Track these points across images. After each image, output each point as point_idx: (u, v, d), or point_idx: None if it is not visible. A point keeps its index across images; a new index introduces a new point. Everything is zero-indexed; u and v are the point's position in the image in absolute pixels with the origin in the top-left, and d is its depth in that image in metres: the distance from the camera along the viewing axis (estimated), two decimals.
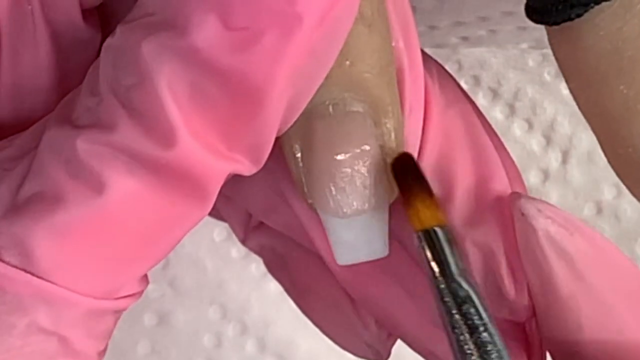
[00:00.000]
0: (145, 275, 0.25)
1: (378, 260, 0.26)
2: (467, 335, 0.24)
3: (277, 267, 0.32)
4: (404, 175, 0.25)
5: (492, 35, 0.41)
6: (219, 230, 0.42)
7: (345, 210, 0.25)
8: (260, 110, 0.22)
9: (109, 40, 0.22)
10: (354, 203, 0.25)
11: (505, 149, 0.28)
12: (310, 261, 0.30)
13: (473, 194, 0.27)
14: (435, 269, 0.24)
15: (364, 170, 0.25)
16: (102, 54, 0.22)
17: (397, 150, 0.26)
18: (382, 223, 0.26)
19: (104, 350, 0.25)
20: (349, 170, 0.25)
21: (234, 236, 0.40)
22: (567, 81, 0.26)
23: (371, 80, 0.25)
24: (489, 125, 0.28)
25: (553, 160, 0.42)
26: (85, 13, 0.25)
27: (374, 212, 0.25)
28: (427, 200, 0.25)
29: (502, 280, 0.27)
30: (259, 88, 0.21)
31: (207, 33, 0.21)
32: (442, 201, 0.27)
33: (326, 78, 0.23)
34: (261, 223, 0.32)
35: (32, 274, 0.22)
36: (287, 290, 0.32)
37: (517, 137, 0.42)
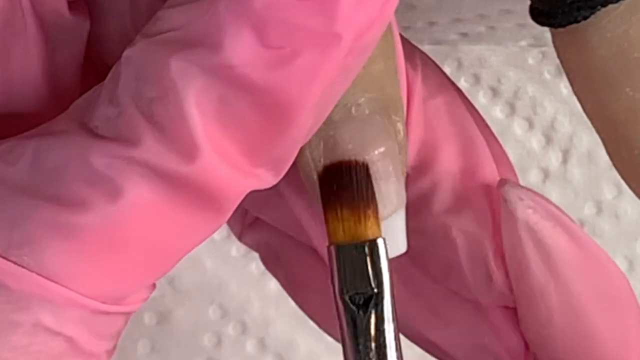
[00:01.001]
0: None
1: None
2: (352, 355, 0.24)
3: (273, 262, 0.32)
4: (327, 186, 0.25)
5: (492, 31, 0.41)
6: (219, 229, 0.42)
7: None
8: (289, 127, 0.22)
9: (129, 52, 0.22)
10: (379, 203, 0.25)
11: (494, 137, 0.28)
12: (305, 256, 0.30)
13: (459, 183, 0.27)
14: (334, 284, 0.24)
15: (390, 169, 0.25)
16: (122, 65, 0.22)
17: (404, 145, 0.26)
18: (402, 220, 0.26)
19: (113, 349, 0.25)
20: (375, 170, 0.25)
21: (234, 235, 0.40)
22: (571, 83, 0.26)
23: (387, 78, 0.25)
24: (477, 113, 0.28)
25: (553, 159, 0.42)
26: (72, 5, 0.25)
27: (396, 208, 0.25)
28: (345, 213, 0.24)
29: (491, 267, 0.27)
30: (291, 106, 0.21)
31: (242, 50, 0.21)
32: (426, 191, 0.27)
33: None
34: (257, 219, 0.31)
35: (39, 274, 0.22)
36: (283, 286, 0.32)
37: (517, 136, 0.42)
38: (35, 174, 0.22)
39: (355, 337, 0.24)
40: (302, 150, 0.25)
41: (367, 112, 0.25)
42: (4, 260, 0.22)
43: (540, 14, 0.25)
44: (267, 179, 0.22)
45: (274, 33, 0.21)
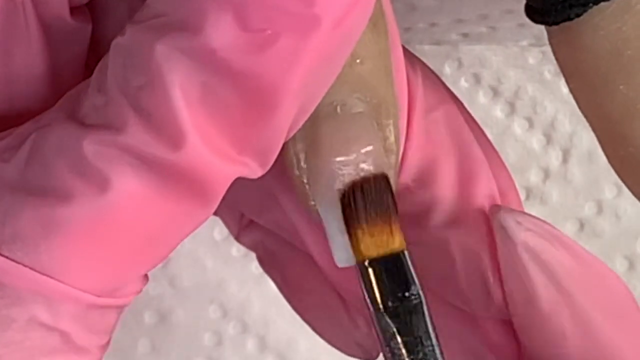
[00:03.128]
0: (146, 274, 0.24)
1: None
2: None
3: (269, 264, 0.32)
4: (350, 203, 0.25)
5: (492, 32, 0.41)
6: (220, 229, 0.42)
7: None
8: (273, 113, 0.22)
9: (118, 40, 0.22)
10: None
11: (492, 149, 0.28)
12: (300, 260, 0.30)
13: (457, 197, 0.27)
14: (367, 301, 0.24)
15: (370, 170, 0.25)
16: (110, 53, 0.22)
17: (398, 149, 0.25)
18: None
19: (107, 344, 0.25)
20: (355, 171, 0.25)
21: (232, 235, 0.40)
22: (567, 81, 0.26)
23: (379, 79, 0.25)
24: (476, 125, 0.28)
25: (553, 159, 0.42)
26: (74, 9, 0.25)
27: None
28: (372, 229, 0.24)
29: (489, 282, 0.26)
30: (273, 90, 0.21)
31: (223, 34, 0.21)
32: (425, 204, 0.26)
33: (336, 77, 0.23)
34: (253, 220, 0.31)
35: (32, 269, 0.22)
36: (279, 287, 0.32)
37: (518, 136, 0.42)
38: (27, 169, 0.22)
39: (406, 345, 0.24)
40: (286, 146, 0.25)
41: (353, 111, 0.25)
42: None
43: (535, 11, 0.25)
44: (253, 168, 0.23)
45: (254, 16, 0.21)
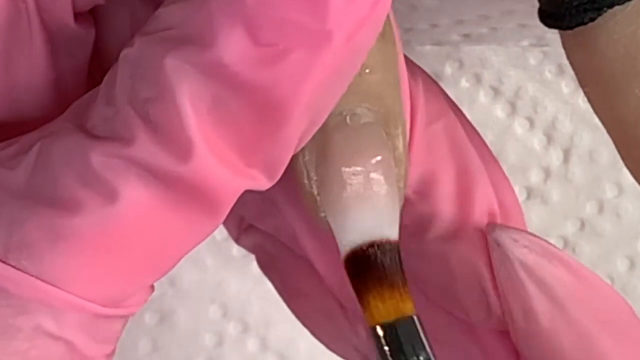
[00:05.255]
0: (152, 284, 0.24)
1: None
2: None
3: (269, 267, 0.32)
4: (358, 269, 0.24)
5: (494, 32, 0.41)
6: (220, 229, 0.42)
7: (359, 222, 0.25)
8: (282, 127, 0.22)
9: (126, 51, 0.22)
10: (367, 215, 0.25)
11: (494, 160, 0.28)
12: (299, 265, 0.30)
13: (456, 210, 0.27)
14: None
15: (381, 180, 0.25)
16: (119, 64, 0.22)
17: (406, 160, 0.26)
18: (394, 231, 0.25)
19: (112, 353, 0.25)
20: (365, 181, 0.24)
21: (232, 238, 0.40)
22: (581, 85, 0.26)
23: (387, 89, 0.25)
24: (477, 136, 0.28)
25: (554, 158, 0.42)
26: (78, 16, 0.25)
27: (386, 222, 0.25)
28: (385, 293, 0.24)
29: (488, 294, 0.27)
30: (284, 104, 0.21)
31: (234, 48, 0.21)
32: (425, 216, 0.27)
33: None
34: (252, 224, 0.32)
35: (39, 278, 0.22)
36: (278, 290, 0.32)
37: (518, 136, 0.42)
38: (33, 178, 0.22)
39: None
40: (295, 157, 0.25)
41: (362, 122, 0.25)
42: (3, 265, 0.22)
43: (548, 16, 0.25)
44: (261, 180, 0.22)
45: (265, 30, 0.21)
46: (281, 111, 0.21)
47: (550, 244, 0.26)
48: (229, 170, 0.22)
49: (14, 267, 0.22)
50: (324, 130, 0.24)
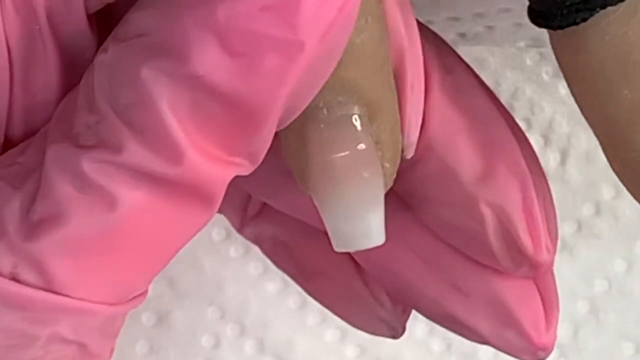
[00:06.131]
0: None
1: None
2: None
3: (280, 255, 0.33)
4: None
5: (490, 31, 0.41)
6: (218, 230, 0.42)
7: (342, 206, 0.25)
8: (259, 128, 0.22)
9: (101, 57, 0.23)
10: (351, 200, 0.25)
11: (502, 106, 0.29)
12: (316, 243, 0.31)
13: (484, 156, 0.27)
14: None
15: (360, 168, 0.25)
16: (95, 70, 0.23)
17: (394, 145, 0.26)
18: (379, 215, 0.26)
19: (114, 347, 0.25)
20: (344, 169, 0.25)
21: (232, 236, 0.40)
22: (570, 86, 0.26)
23: (364, 84, 0.25)
24: (484, 84, 0.29)
25: (551, 160, 0.42)
26: (88, 18, 0.25)
27: (370, 205, 0.26)
28: None
29: (519, 238, 0.27)
30: (259, 111, 0.22)
31: (208, 59, 0.21)
32: (451, 166, 0.27)
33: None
34: (260, 211, 0.32)
35: (50, 291, 0.22)
36: (293, 277, 0.33)
37: None
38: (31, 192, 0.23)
39: None
40: (280, 139, 0.26)
41: (338, 113, 0.25)
42: (13, 282, 0.22)
43: (539, 15, 0.25)
44: (245, 166, 0.23)
45: (238, 42, 0.21)
46: (258, 115, 0.22)
47: None
48: (215, 164, 0.22)
49: (25, 283, 0.22)
50: (303, 122, 0.25)
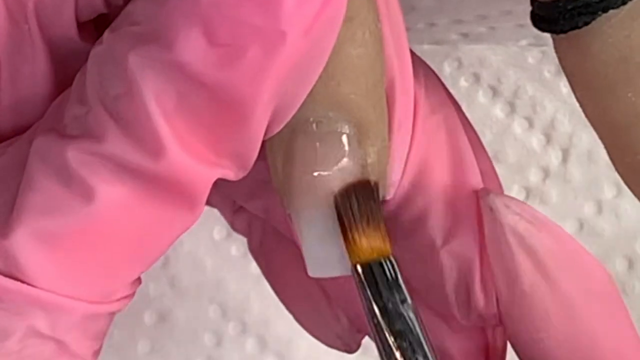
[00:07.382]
0: (138, 277, 0.25)
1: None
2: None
3: (256, 250, 0.33)
4: (346, 205, 0.25)
5: (492, 32, 0.41)
6: (219, 229, 0.42)
7: (319, 228, 0.25)
8: (246, 121, 0.22)
9: (96, 48, 0.23)
10: (329, 223, 0.25)
11: (484, 151, 0.28)
12: (286, 249, 0.31)
13: (450, 204, 0.27)
14: (370, 304, 0.25)
15: (342, 187, 0.25)
16: (89, 62, 0.23)
17: (380, 170, 0.26)
18: None
19: (99, 350, 0.25)
20: (327, 187, 0.25)
21: (233, 234, 0.40)
22: (573, 89, 0.25)
23: (356, 101, 0.25)
24: (471, 128, 0.28)
25: (553, 158, 0.42)
26: (81, 26, 0.25)
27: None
28: (368, 231, 0.25)
29: (474, 291, 0.27)
30: (243, 102, 0.22)
31: (192, 47, 0.21)
32: (419, 210, 0.27)
33: (312, 96, 0.23)
34: (242, 206, 0.32)
35: (26, 283, 0.22)
36: (264, 274, 0.33)
37: (517, 135, 0.42)
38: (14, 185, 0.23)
39: (407, 347, 0.25)
40: (266, 150, 0.25)
41: (327, 129, 0.25)
42: None
43: (542, 20, 0.25)
44: (232, 170, 0.23)
45: (221, 31, 0.21)
46: (242, 108, 0.22)
47: (539, 212, 0.26)
48: (199, 162, 0.22)
49: (3, 274, 0.22)
50: (291, 134, 0.25)
